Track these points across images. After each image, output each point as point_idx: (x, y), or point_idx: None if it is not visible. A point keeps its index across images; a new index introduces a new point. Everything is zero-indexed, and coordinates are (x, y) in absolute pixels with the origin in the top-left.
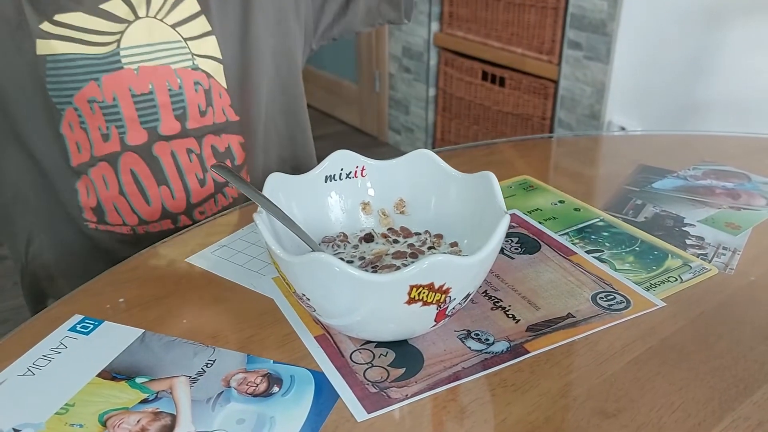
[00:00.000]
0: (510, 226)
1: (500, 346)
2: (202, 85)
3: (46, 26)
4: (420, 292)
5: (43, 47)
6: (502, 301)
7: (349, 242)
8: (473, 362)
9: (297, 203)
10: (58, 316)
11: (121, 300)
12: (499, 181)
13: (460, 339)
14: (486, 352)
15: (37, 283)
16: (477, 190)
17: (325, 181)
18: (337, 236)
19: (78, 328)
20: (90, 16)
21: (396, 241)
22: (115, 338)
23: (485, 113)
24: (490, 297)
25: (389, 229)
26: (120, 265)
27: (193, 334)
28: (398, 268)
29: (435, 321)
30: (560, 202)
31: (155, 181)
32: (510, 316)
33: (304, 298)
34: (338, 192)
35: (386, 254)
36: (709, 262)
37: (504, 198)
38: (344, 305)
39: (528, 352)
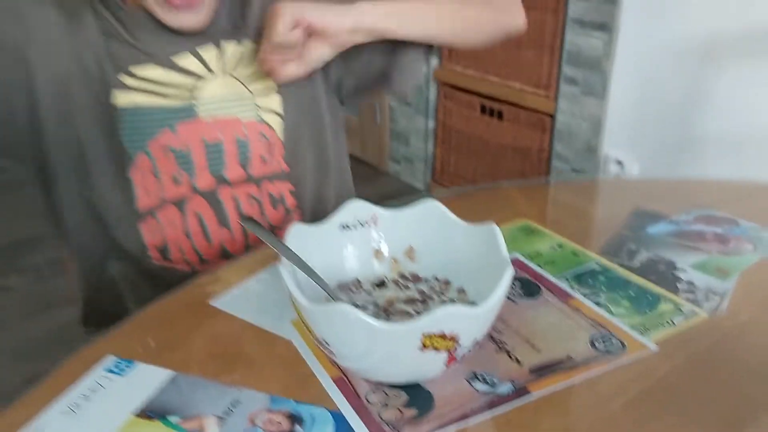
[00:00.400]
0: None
1: (505, 388)
2: (264, 137)
3: (123, 78)
4: (432, 340)
5: (121, 98)
6: (506, 343)
7: (363, 288)
8: (480, 403)
9: (316, 250)
10: (93, 356)
11: (152, 342)
12: (501, 224)
13: (468, 381)
14: (491, 394)
15: (100, 299)
16: (482, 240)
17: (341, 230)
18: (352, 282)
19: (113, 369)
20: (164, 69)
21: (407, 287)
22: (148, 379)
23: (484, 146)
24: (494, 340)
25: (400, 274)
26: (147, 308)
27: (219, 374)
28: (410, 314)
29: (445, 365)
30: (559, 246)
31: (217, 223)
32: (513, 358)
33: (324, 343)
34: (352, 240)
35: (398, 300)
36: (700, 306)
37: (506, 242)
38: (361, 351)
39: (531, 393)
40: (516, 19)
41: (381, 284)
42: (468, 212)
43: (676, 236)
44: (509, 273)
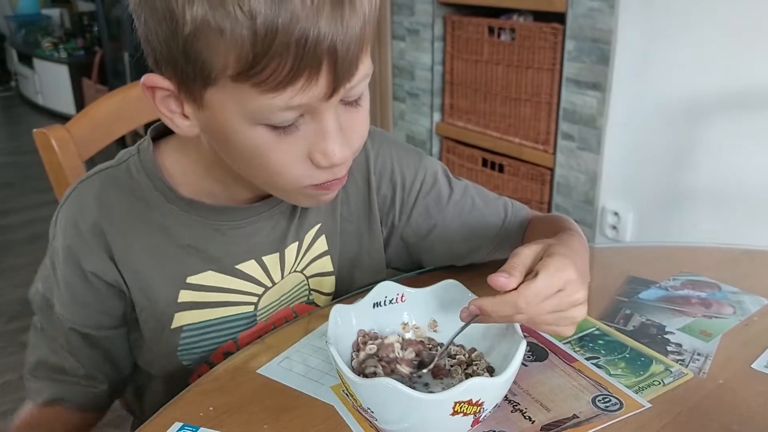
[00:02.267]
0: (523, 335)
1: None
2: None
3: (182, 296)
4: (461, 406)
5: (178, 319)
6: (519, 404)
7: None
8: None
9: (352, 327)
10: (162, 423)
11: (211, 408)
12: None
13: None
14: None
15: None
16: None
17: (373, 308)
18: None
19: None
20: (224, 275)
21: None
22: None
23: None
24: (509, 401)
25: (428, 339)
26: (205, 377)
27: None
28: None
29: (470, 426)
30: None
31: None
32: (527, 417)
33: (369, 411)
34: (382, 316)
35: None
36: (686, 366)
37: None
38: (400, 416)
39: None
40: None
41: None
42: (477, 280)
43: (665, 301)
44: (523, 344)
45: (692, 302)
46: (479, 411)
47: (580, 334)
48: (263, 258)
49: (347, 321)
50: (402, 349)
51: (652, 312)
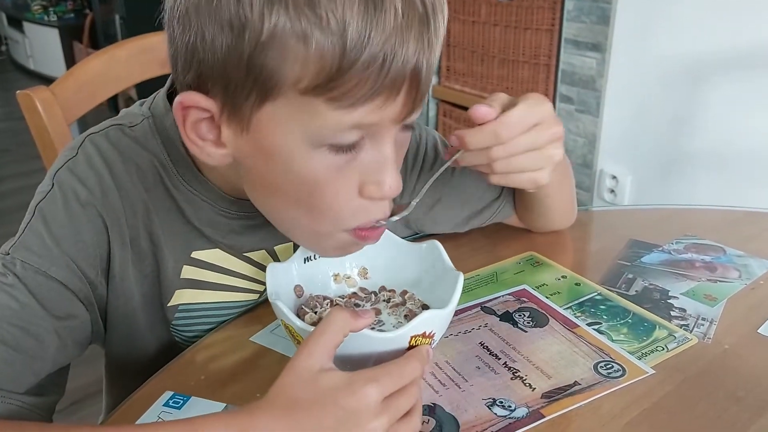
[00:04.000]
0: (522, 301)
1: (521, 412)
2: None
3: (184, 271)
4: (416, 340)
5: (177, 297)
6: (519, 371)
7: (324, 306)
8: (499, 426)
9: (290, 282)
10: (151, 393)
11: (203, 377)
12: (508, 257)
13: (488, 406)
14: (509, 417)
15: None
16: (427, 255)
17: (304, 262)
18: (317, 299)
19: (171, 403)
20: (231, 257)
21: (357, 305)
22: (203, 411)
23: None
24: (509, 368)
25: (360, 289)
26: (196, 345)
27: None
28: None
29: None
30: (563, 277)
31: None
32: (527, 384)
33: None
34: (313, 269)
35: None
36: (690, 332)
37: (515, 273)
38: (359, 358)
39: (544, 417)
40: (572, 219)
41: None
42: (476, 246)
43: (669, 265)
44: (461, 276)
45: (696, 266)
46: (430, 343)
47: (581, 299)
48: (275, 248)
49: (283, 277)
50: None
51: (655, 276)
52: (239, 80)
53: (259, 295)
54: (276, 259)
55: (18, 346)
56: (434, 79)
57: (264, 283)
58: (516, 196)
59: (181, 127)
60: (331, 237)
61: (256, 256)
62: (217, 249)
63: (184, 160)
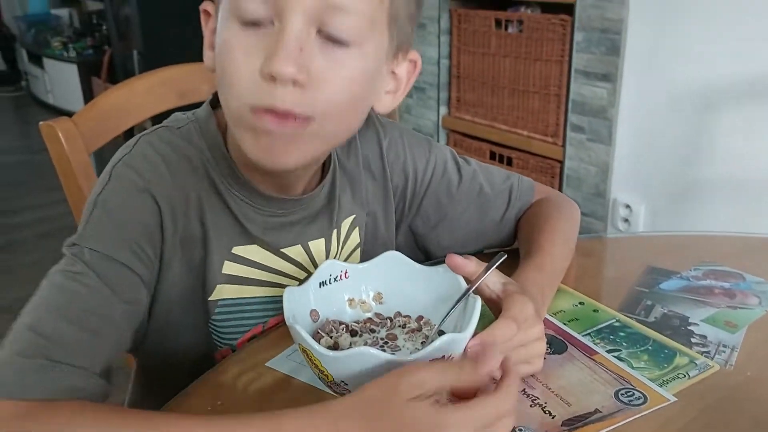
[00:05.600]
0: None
1: None
2: None
3: (226, 267)
4: None
5: (218, 292)
6: (539, 398)
7: (340, 331)
8: None
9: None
10: None
11: (219, 402)
12: None
13: None
14: None
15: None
16: (442, 278)
17: (320, 287)
18: (333, 324)
19: None
20: (269, 253)
21: (373, 330)
22: None
23: None
24: (528, 395)
25: (375, 314)
26: (212, 371)
27: None
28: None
29: None
30: (580, 303)
31: None
32: (547, 412)
33: (342, 384)
34: (329, 294)
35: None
36: (712, 359)
37: None
38: None
39: None
40: (578, 219)
41: (354, 333)
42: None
43: (688, 291)
44: (479, 300)
45: (715, 292)
46: None
47: (600, 326)
48: (309, 243)
49: (299, 301)
50: (360, 335)
51: (674, 303)
52: None
53: (297, 284)
54: (310, 254)
55: (94, 330)
56: (444, 110)
57: (300, 279)
58: (517, 237)
59: (204, 30)
60: (239, 117)
61: (292, 252)
62: (255, 245)
63: (225, 159)
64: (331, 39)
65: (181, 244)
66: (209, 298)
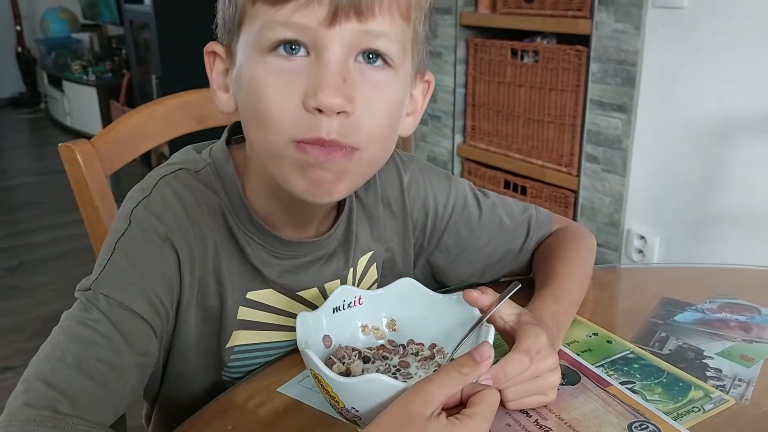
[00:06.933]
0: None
1: None
2: None
3: (240, 312)
4: None
5: (234, 338)
6: (552, 429)
7: (352, 357)
8: None
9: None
10: None
11: (230, 427)
12: None
13: None
14: None
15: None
16: (456, 306)
17: (333, 313)
18: (345, 350)
19: None
20: (284, 297)
21: (386, 357)
22: None
23: None
24: (540, 426)
25: (388, 341)
26: (222, 396)
27: None
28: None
29: None
30: (594, 334)
31: None
32: None
33: (353, 411)
34: (343, 320)
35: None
36: (727, 393)
37: None
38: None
39: None
40: (594, 250)
41: (366, 359)
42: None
43: (702, 324)
44: (492, 328)
45: (731, 326)
46: None
47: (614, 357)
48: (325, 285)
49: (312, 327)
50: (372, 362)
51: (689, 335)
52: (229, 17)
53: None
54: (326, 297)
55: (105, 382)
56: (459, 138)
57: None
58: (533, 266)
59: (209, 73)
60: (281, 153)
61: (308, 294)
62: (271, 289)
63: (241, 203)
64: (371, 65)
65: (198, 293)
66: (225, 346)
